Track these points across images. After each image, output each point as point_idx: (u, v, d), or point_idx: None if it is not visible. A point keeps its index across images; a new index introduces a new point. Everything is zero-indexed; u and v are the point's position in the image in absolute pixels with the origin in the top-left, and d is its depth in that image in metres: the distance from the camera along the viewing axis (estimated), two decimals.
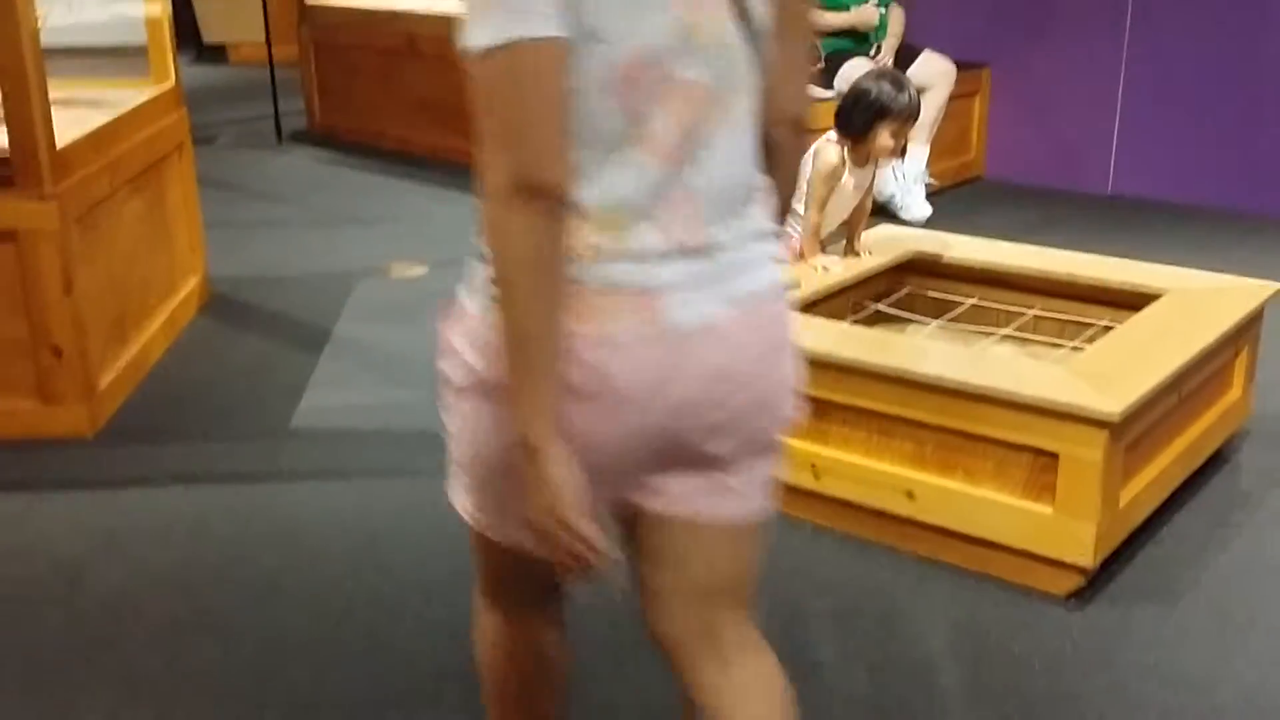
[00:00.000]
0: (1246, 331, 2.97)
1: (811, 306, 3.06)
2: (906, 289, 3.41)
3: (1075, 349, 3.07)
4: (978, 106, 6.03)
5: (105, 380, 3.36)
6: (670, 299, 1.35)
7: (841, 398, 2.66)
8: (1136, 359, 2.59)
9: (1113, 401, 2.35)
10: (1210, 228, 5.27)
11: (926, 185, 5.47)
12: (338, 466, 3.17)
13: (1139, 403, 2.39)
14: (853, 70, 5.31)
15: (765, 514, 1.54)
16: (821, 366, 2.64)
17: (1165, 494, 2.71)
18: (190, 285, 4.17)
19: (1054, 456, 2.42)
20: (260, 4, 7.29)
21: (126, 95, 3.95)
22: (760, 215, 1.46)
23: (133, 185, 3.69)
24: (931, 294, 3.38)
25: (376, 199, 5.97)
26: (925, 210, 5.36)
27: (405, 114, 6.83)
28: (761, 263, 1.44)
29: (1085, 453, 2.37)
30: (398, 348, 3.96)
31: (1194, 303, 2.94)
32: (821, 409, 2.69)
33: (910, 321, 3.30)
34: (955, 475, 2.57)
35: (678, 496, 1.47)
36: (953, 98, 5.63)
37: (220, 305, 4.34)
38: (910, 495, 2.61)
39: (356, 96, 7.07)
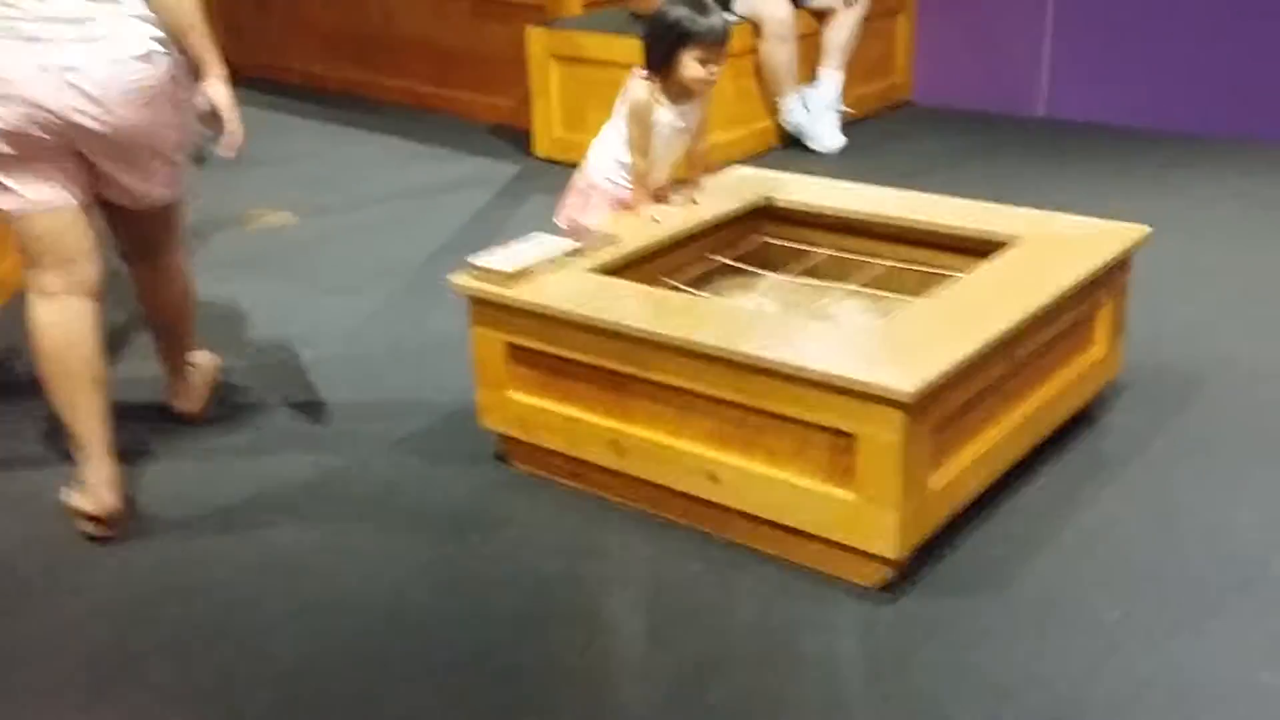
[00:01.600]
0: (1109, 281, 2.70)
1: (643, 262, 2.80)
2: (757, 239, 3.13)
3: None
4: (902, 25, 5.69)
5: None
6: (50, 44, 2.35)
7: (639, 370, 2.40)
8: (955, 324, 2.32)
9: (907, 378, 2.09)
10: (1150, 152, 4.96)
11: (841, 113, 5.15)
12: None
13: (941, 379, 2.13)
14: None
15: (166, 199, 2.72)
16: (617, 337, 2.40)
17: (996, 472, 2.46)
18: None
19: (852, 438, 2.17)
20: None
21: None
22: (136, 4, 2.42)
23: None
24: (784, 244, 3.11)
25: (266, 139, 5.65)
26: (838, 140, 5.05)
27: (313, 47, 6.51)
28: (130, 34, 2.41)
29: (882, 434, 2.12)
30: (224, 312, 3.70)
31: (1047, 251, 2.66)
32: (622, 382, 2.45)
33: (757, 275, 3.03)
34: (757, 457, 2.32)
35: (103, 185, 2.57)
36: (874, 15, 5.30)
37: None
38: (713, 478, 2.37)
39: (263, 28, 6.74)
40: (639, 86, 2.93)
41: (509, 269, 2.55)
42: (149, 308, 2.93)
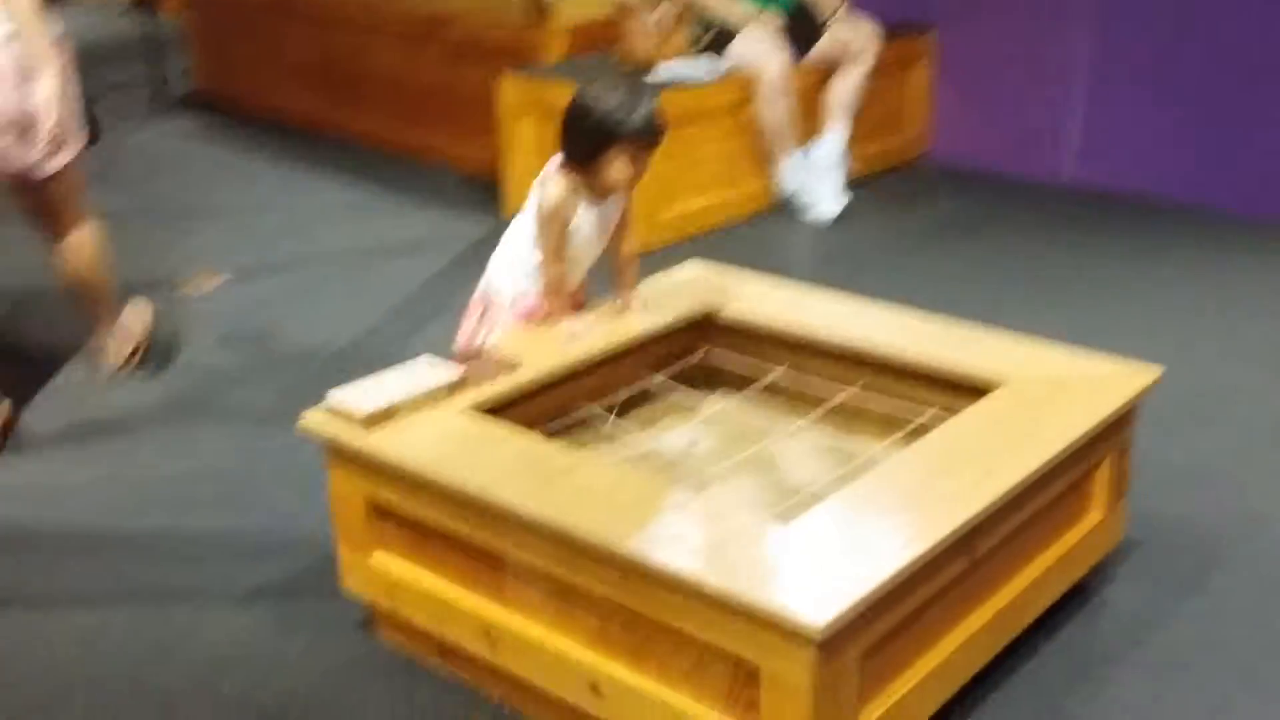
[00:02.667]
0: (1111, 435, 2.21)
1: (551, 390, 2.35)
2: (699, 356, 2.67)
3: (890, 447, 2.34)
4: (917, 77, 5.20)
5: None
6: None
7: (510, 550, 1.95)
8: (901, 512, 1.85)
9: (820, 605, 1.61)
10: (1176, 226, 4.45)
11: (843, 172, 4.67)
12: None
13: (867, 602, 1.66)
14: (748, 42, 4.53)
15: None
16: (481, 510, 1.94)
17: (952, 690, 1.98)
18: None
19: (757, 668, 1.70)
20: None
21: None
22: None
23: None
24: (733, 363, 2.64)
25: (228, 185, 5.28)
26: (835, 207, 4.56)
27: (282, 79, 6.11)
28: None
29: (790, 671, 1.65)
30: (128, 403, 3.29)
31: (1035, 401, 2.18)
32: (495, 560, 1.99)
33: (697, 399, 2.57)
34: (647, 670, 1.85)
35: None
36: (886, 67, 4.82)
37: None
38: (595, 690, 1.90)
39: (237, 57, 6.36)
40: (557, 182, 2.48)
41: (365, 410, 2.10)
42: (62, 278, 3.31)
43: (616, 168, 2.42)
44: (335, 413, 2.13)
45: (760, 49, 4.51)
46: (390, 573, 2.16)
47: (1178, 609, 2.32)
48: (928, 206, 4.79)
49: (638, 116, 2.38)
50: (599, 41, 4.77)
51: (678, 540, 1.77)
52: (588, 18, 4.87)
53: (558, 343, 2.44)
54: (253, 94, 6.27)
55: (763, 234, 4.50)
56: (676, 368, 2.61)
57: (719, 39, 4.57)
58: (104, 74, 7.15)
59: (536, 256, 2.51)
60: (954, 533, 1.81)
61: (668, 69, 4.52)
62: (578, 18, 4.88)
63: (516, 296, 2.55)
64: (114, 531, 2.67)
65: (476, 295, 2.63)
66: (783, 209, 4.64)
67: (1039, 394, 2.20)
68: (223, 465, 2.92)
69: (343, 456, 2.13)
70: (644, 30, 4.57)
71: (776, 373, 2.58)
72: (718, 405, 2.57)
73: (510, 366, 2.32)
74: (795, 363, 2.57)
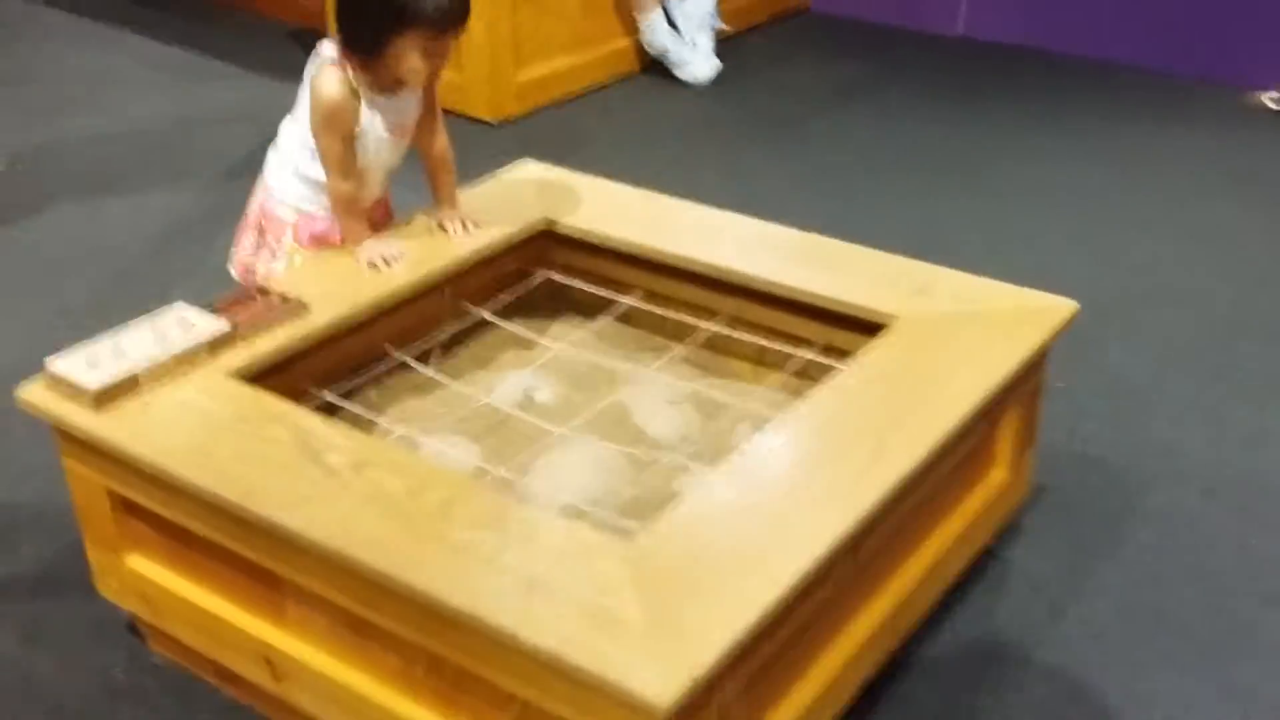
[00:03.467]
0: (1017, 387, 1.85)
1: (347, 338, 1.91)
2: (539, 278, 2.24)
3: (773, 396, 1.96)
4: None
5: None
6: None
7: (288, 572, 1.53)
8: (766, 527, 1.45)
9: (665, 677, 1.24)
10: (1073, 81, 4.09)
11: (717, 31, 4.19)
12: None
13: (723, 660, 1.28)
14: None
15: None
16: (242, 519, 1.51)
17: (849, 694, 1.63)
18: None
19: None
20: None
21: None
22: None
23: None
24: (579, 285, 2.21)
25: (9, 43, 4.57)
26: (709, 68, 4.10)
27: None
28: None
29: None
30: None
31: (927, 349, 1.80)
32: (271, 577, 1.58)
33: (533, 343, 2.15)
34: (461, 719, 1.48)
35: None
36: None
37: None
38: None
39: None
40: (331, 77, 1.98)
41: (95, 384, 1.63)
42: None
43: (409, 60, 1.94)
44: (59, 386, 1.67)
45: None
46: (149, 580, 1.73)
47: (1093, 569, 2.01)
48: (804, 68, 4.33)
49: None
50: None
51: (495, 572, 1.37)
52: None
53: (356, 273, 1.99)
54: None
55: (628, 100, 4.02)
56: (507, 297, 2.18)
57: None
58: None
59: (316, 167, 2.03)
60: (840, 542, 1.44)
61: None
62: None
63: (300, 218, 2.08)
64: None
65: (250, 212, 2.14)
66: (652, 68, 4.16)
67: (935, 336, 1.82)
68: None
69: (74, 441, 1.68)
70: None
71: (628, 301, 2.17)
72: (559, 344, 2.14)
73: (296, 309, 1.86)
74: (650, 288, 2.16)
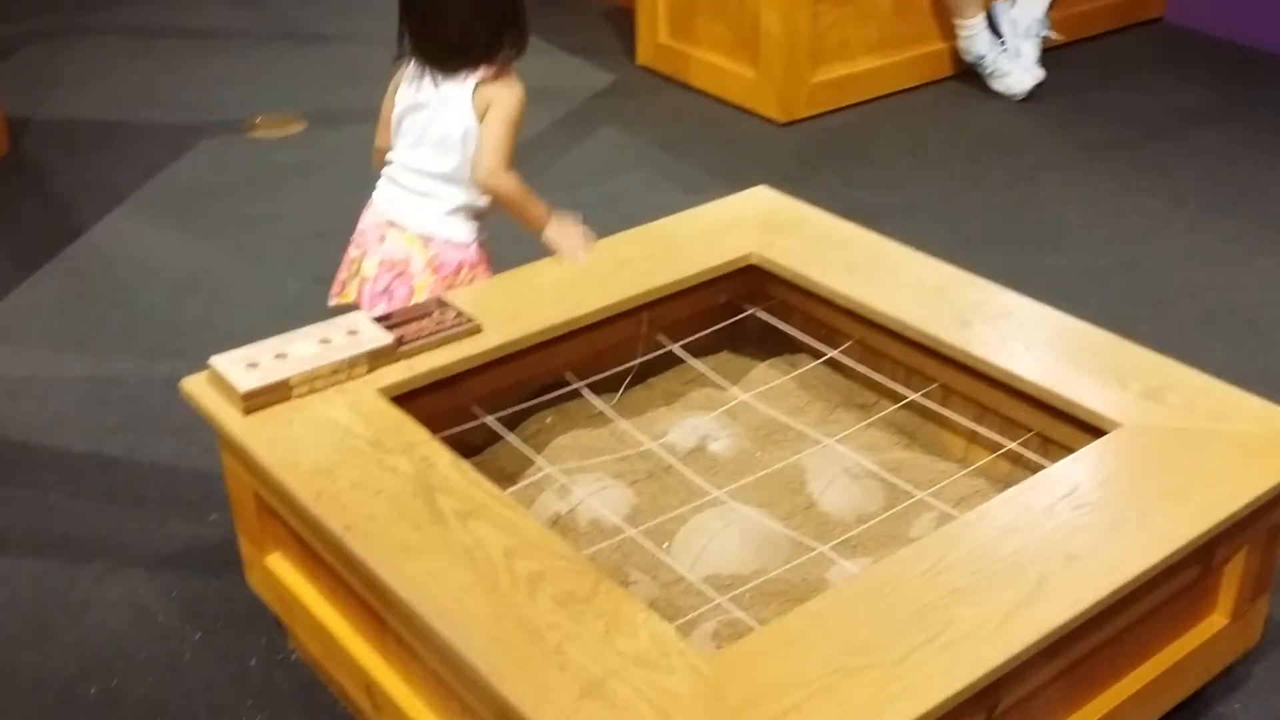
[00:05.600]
0: (1251, 524, 1.56)
1: (526, 355, 1.83)
2: (747, 313, 2.08)
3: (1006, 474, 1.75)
4: None
5: None
6: None
7: (385, 612, 1.48)
8: (873, 673, 1.26)
9: None
10: None
11: (1044, 39, 3.85)
12: None
13: None
14: None
15: None
16: (343, 553, 1.47)
17: None
18: None
19: None
20: None
21: None
22: None
23: None
24: (786, 328, 2.05)
25: (308, 9, 4.77)
26: (1029, 80, 3.76)
27: None
28: None
29: None
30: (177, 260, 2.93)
31: (1149, 467, 1.54)
32: (375, 611, 1.53)
33: (723, 387, 2.00)
34: None
35: None
36: None
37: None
38: None
39: None
40: (511, 79, 2.02)
41: (246, 386, 1.63)
42: None
43: None
44: (217, 382, 1.68)
45: None
46: (284, 582, 1.72)
47: None
48: (1146, 86, 3.91)
49: None
50: None
51: (556, 666, 1.26)
52: None
53: (540, 291, 1.91)
54: None
55: (931, 109, 3.76)
56: (705, 333, 2.05)
57: None
58: None
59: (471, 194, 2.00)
60: (964, 690, 1.24)
61: None
62: None
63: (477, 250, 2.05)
64: (24, 451, 2.33)
65: (382, 259, 2.07)
66: (965, 77, 3.88)
67: (1158, 452, 1.56)
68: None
69: (222, 436, 1.69)
70: None
71: (836, 353, 1.99)
72: (750, 391, 1.99)
73: (469, 326, 1.80)
74: (864, 340, 1.97)
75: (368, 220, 2.09)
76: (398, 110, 2.04)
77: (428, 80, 2.00)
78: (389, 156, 2.08)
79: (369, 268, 2.05)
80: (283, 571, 1.73)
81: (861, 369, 1.97)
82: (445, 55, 1.97)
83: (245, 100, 3.80)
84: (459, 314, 1.82)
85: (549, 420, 1.93)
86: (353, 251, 2.10)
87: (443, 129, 1.99)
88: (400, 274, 2.02)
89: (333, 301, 2.11)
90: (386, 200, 2.06)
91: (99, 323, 2.71)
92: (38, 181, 3.33)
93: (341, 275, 2.11)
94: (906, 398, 1.90)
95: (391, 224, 2.04)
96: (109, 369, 2.55)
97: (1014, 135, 3.60)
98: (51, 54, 4.17)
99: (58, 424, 2.38)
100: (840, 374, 2.03)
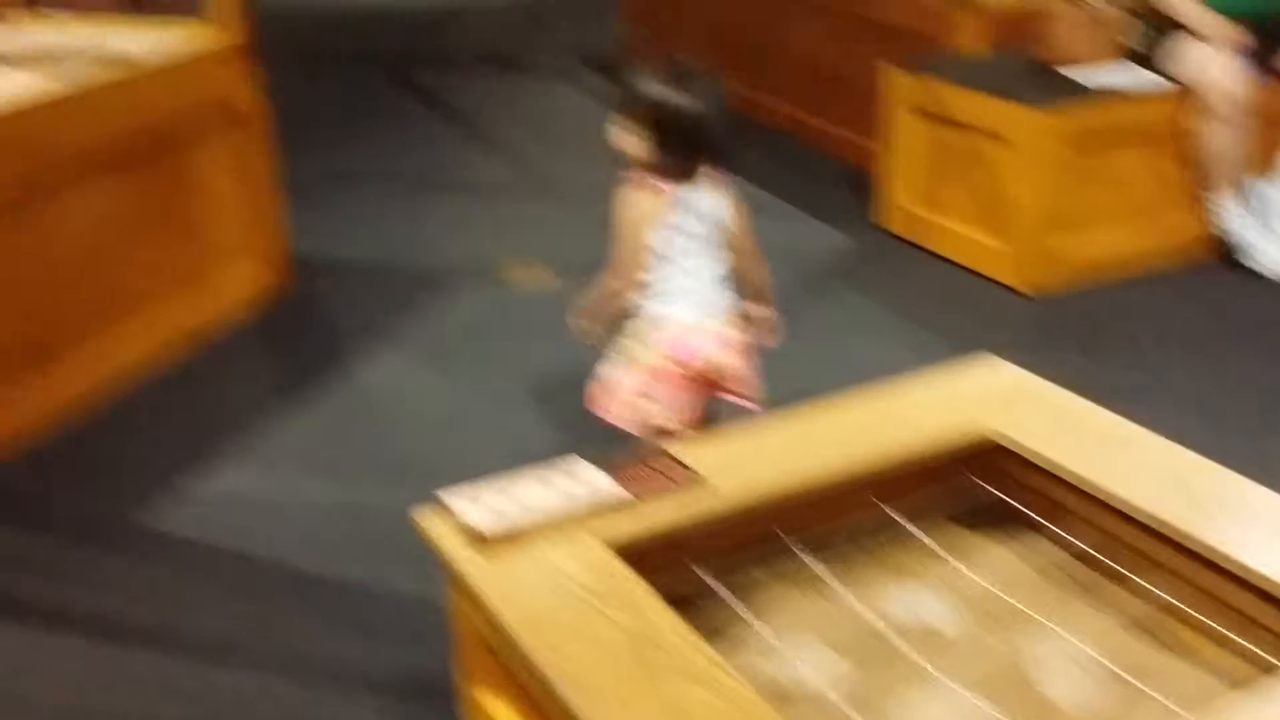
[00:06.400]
0: None
1: (740, 515, 1.85)
2: (979, 491, 2.04)
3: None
4: None
5: None
6: None
7: None
8: None
9: None
10: None
11: None
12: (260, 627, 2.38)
13: None
14: (1202, 52, 3.63)
15: None
16: (563, 709, 1.50)
17: None
18: (234, 286, 3.52)
19: None
20: None
21: (160, 40, 3.37)
22: None
23: (108, 170, 3.06)
24: (1021, 509, 2.00)
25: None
26: None
27: (699, 46, 5.77)
28: None
29: None
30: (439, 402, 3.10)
31: None
32: None
33: (951, 564, 1.96)
34: None
35: None
36: None
37: (282, 311, 3.64)
38: None
39: (662, 22, 6.10)
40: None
41: (477, 526, 1.70)
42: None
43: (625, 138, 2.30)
44: (448, 519, 1.75)
45: (1216, 61, 3.61)
46: None
47: None
48: None
49: (654, 87, 2.26)
50: (1021, 32, 4.04)
51: None
52: (1015, 3, 4.14)
53: (764, 450, 1.93)
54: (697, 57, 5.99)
55: (1186, 286, 3.65)
56: (935, 507, 2.01)
57: (1163, 44, 3.72)
58: (542, 30, 7.23)
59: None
60: None
61: (1095, 73, 3.74)
62: (1002, 0, 4.17)
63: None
64: (272, 568, 2.47)
65: (657, 356, 2.21)
66: (1218, 255, 3.75)
67: None
68: None
69: (449, 571, 1.76)
70: (1075, 25, 3.80)
71: (1073, 540, 1.92)
72: (980, 571, 1.94)
73: (694, 480, 1.83)
74: (1105, 527, 1.90)
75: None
76: None
77: None
78: None
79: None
80: (496, 709, 1.77)
81: (1097, 556, 1.90)
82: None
83: (503, 248, 4.02)
84: (685, 468, 1.86)
85: (764, 578, 1.92)
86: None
87: None
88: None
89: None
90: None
91: (352, 452, 2.88)
92: (313, 317, 3.59)
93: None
94: (1144, 590, 1.81)
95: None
96: (357, 496, 2.70)
97: (1270, 316, 3.44)
98: (336, 199, 4.52)
99: (305, 545, 2.53)
100: (1074, 559, 1.96)
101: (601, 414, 2.41)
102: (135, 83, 3.16)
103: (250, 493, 2.71)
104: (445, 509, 1.75)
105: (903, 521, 1.98)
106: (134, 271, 3.18)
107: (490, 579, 1.65)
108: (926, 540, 1.98)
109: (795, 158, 4.88)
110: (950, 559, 1.96)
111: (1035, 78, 3.75)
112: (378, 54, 6.76)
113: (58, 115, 2.91)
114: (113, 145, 3.04)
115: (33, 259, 2.88)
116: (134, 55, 3.29)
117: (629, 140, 2.32)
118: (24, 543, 2.55)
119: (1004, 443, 1.99)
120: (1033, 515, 1.97)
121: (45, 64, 3.26)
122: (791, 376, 3.18)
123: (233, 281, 3.51)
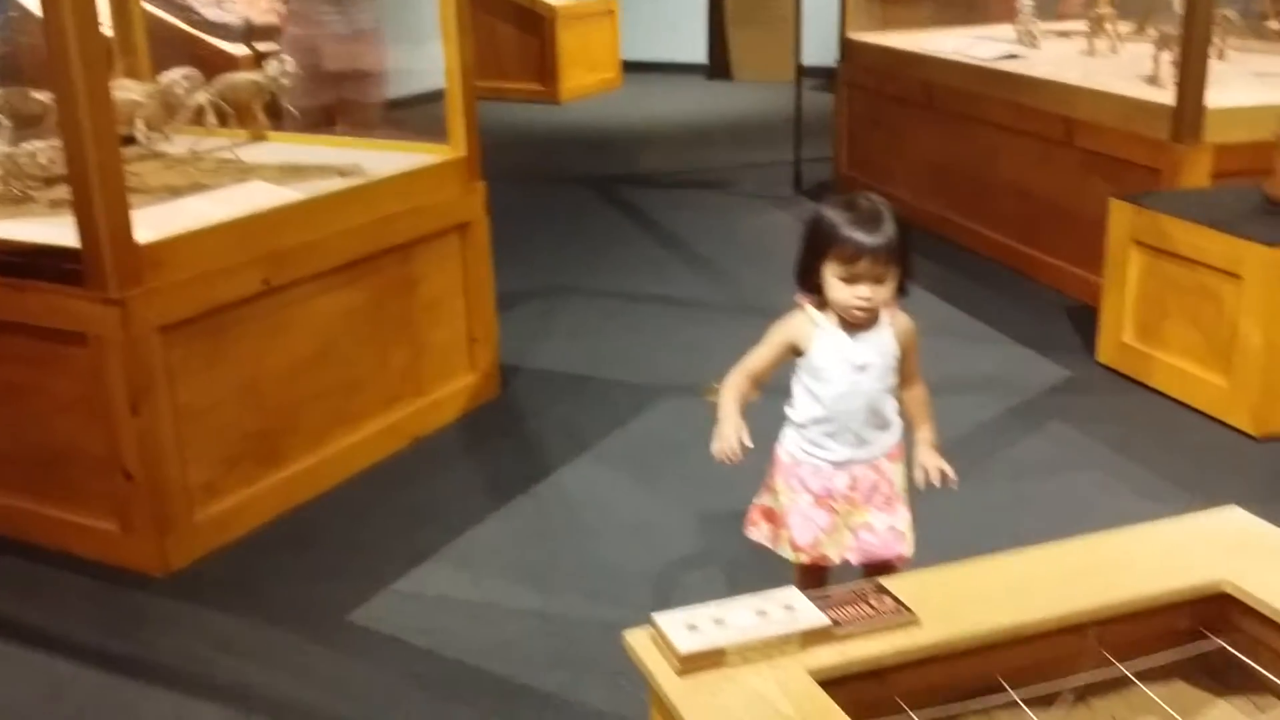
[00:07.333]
0: None
1: (957, 657, 1.78)
2: (1212, 644, 1.92)
3: None
4: None
5: (207, 512, 2.91)
6: None
7: None
8: None
9: None
10: None
11: None
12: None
13: None
14: None
15: None
16: None
17: None
18: (449, 390, 3.64)
19: None
20: (793, 42, 6.55)
21: (414, 160, 3.56)
22: None
23: (343, 276, 3.22)
24: (1255, 666, 1.87)
25: (767, 283, 5.01)
26: None
27: (912, 176, 5.77)
28: None
29: None
30: (631, 517, 3.12)
31: None
32: None
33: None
34: None
35: None
36: None
37: (489, 415, 3.74)
38: None
39: (874, 147, 6.12)
40: (793, 313, 2.28)
41: (684, 648, 1.68)
42: None
43: (832, 286, 2.17)
44: (658, 639, 1.74)
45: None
46: None
47: None
48: None
49: (855, 228, 2.11)
50: (1248, 168, 3.90)
51: None
52: (1240, 138, 4.01)
53: (983, 593, 1.86)
54: (883, 187, 6.00)
55: None
56: (1163, 659, 1.90)
57: None
58: (757, 151, 7.36)
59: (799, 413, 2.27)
60: None
61: None
62: (1228, 135, 4.03)
63: (789, 461, 2.29)
64: (472, 673, 2.49)
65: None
66: None
67: None
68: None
69: (654, 692, 1.74)
70: None
71: None
72: None
73: (906, 617, 1.78)
74: None
75: None
76: None
77: None
78: None
79: None
80: None
81: None
82: None
83: (704, 366, 4.02)
84: (897, 603, 1.81)
85: None
86: None
87: None
88: None
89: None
90: None
91: (553, 559, 2.91)
92: (519, 423, 3.67)
93: None
94: None
95: None
96: (556, 605, 2.71)
97: None
98: (545, 311, 4.65)
99: (504, 651, 2.55)
100: None
101: (749, 534, 2.36)
102: (370, 189, 3.33)
103: (455, 594, 2.76)
104: (657, 631, 1.74)
105: (1127, 674, 1.87)
106: (361, 374, 3.32)
107: (696, 703, 1.63)
108: (1152, 695, 1.87)
109: (1017, 291, 4.78)
110: (1178, 717, 1.85)
111: (1267, 214, 3.61)
112: (594, 176, 6.98)
113: (299, 218, 3.09)
114: (345, 248, 3.20)
115: (271, 357, 3.04)
116: (369, 167, 3.49)
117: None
118: (244, 629, 2.65)
119: (1239, 596, 1.87)
120: (1269, 675, 1.84)
121: (290, 175, 3.48)
122: (1004, 513, 3.08)
123: (448, 387, 3.62)
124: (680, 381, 3.93)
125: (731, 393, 2.28)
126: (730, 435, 2.22)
